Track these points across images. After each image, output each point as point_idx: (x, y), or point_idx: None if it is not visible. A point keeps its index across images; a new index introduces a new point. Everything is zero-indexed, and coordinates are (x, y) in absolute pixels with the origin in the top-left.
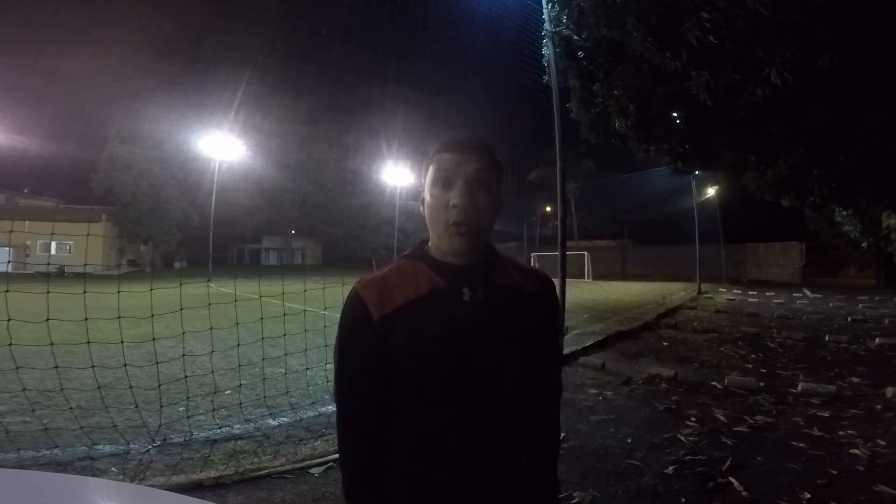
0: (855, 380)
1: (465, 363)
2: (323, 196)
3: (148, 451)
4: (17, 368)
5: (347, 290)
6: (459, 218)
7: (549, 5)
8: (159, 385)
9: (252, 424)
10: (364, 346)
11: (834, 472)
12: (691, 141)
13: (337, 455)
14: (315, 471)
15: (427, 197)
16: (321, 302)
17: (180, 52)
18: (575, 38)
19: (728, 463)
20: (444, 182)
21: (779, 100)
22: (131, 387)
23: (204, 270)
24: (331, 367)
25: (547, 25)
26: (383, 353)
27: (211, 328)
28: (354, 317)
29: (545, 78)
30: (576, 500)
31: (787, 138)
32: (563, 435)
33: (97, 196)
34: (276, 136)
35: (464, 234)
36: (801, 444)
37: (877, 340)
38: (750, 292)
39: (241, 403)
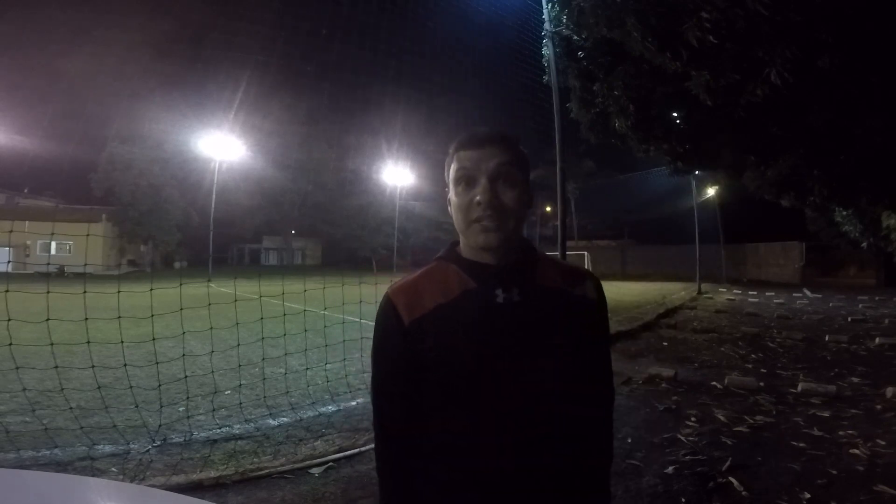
0: (855, 380)
1: (498, 368)
2: (323, 196)
3: (148, 451)
4: (17, 368)
5: (347, 290)
6: (485, 214)
7: (549, 5)
8: (159, 385)
9: (252, 424)
10: (396, 351)
11: (834, 472)
12: (691, 141)
13: (336, 455)
14: (315, 471)
15: (452, 196)
16: (321, 302)
17: (180, 52)
18: (575, 38)
19: (728, 463)
20: (466, 180)
21: (779, 100)
22: (131, 387)
23: (204, 270)
24: (330, 367)
25: (547, 25)
26: (414, 357)
27: (211, 328)
28: (386, 322)
29: (545, 78)
30: None
31: (787, 138)
32: None
33: (97, 196)
34: (276, 136)
35: (491, 230)
36: (801, 444)
37: (877, 340)
38: (750, 292)
39: (241, 403)
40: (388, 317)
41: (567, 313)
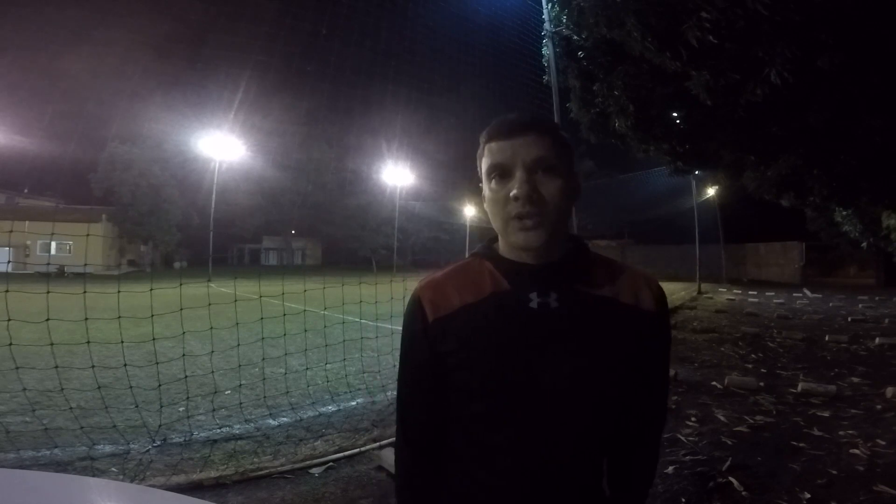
0: (855, 380)
1: (523, 380)
2: (323, 196)
3: (148, 451)
4: (17, 368)
5: (348, 290)
6: (523, 210)
7: (549, 5)
8: (159, 385)
9: (252, 424)
10: (420, 351)
11: (834, 472)
12: (691, 141)
13: (336, 455)
14: (315, 471)
15: (486, 191)
16: (321, 302)
17: (180, 52)
18: (575, 38)
19: (728, 463)
20: (501, 172)
21: (779, 100)
22: (131, 387)
23: (204, 270)
24: (330, 367)
25: (547, 25)
26: (437, 359)
27: (211, 328)
28: (412, 319)
29: (545, 78)
30: None
31: (787, 138)
32: None
33: (97, 196)
34: (276, 136)
35: (531, 228)
36: (801, 444)
37: (877, 340)
38: (750, 292)
39: (241, 403)
40: (413, 314)
41: (612, 325)
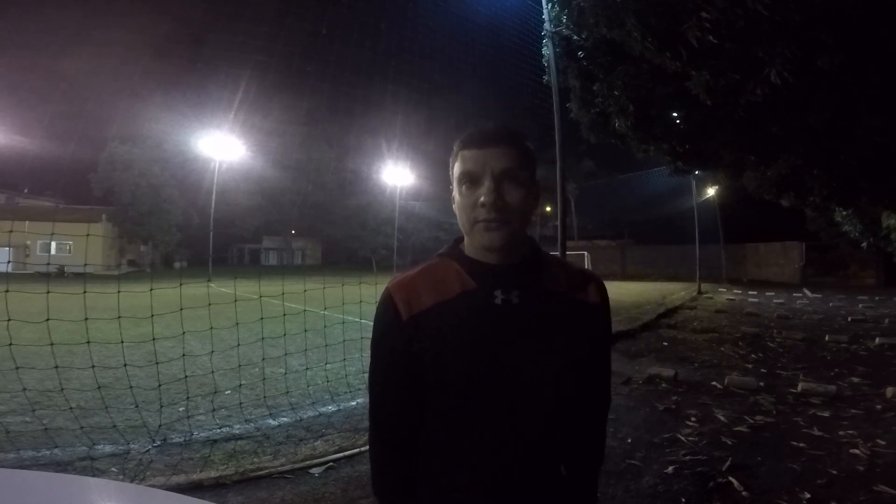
0: (855, 380)
1: (492, 371)
2: (323, 196)
3: (148, 451)
4: (17, 368)
5: (348, 290)
6: (490, 215)
7: (549, 5)
8: (159, 385)
9: (252, 424)
10: (393, 349)
11: (834, 472)
12: (691, 141)
13: (336, 455)
14: (315, 471)
15: (456, 195)
16: (321, 302)
17: (180, 52)
18: (575, 38)
19: (728, 463)
20: (470, 179)
21: (779, 100)
22: (131, 387)
23: (204, 270)
24: (331, 367)
25: (547, 25)
26: (411, 355)
27: (211, 328)
28: (385, 318)
29: (545, 78)
30: None
31: (787, 138)
32: None
33: (97, 196)
34: (276, 136)
35: (495, 229)
36: (801, 444)
37: (877, 340)
38: (750, 292)
39: (241, 403)
40: (386, 312)
41: (567, 318)
